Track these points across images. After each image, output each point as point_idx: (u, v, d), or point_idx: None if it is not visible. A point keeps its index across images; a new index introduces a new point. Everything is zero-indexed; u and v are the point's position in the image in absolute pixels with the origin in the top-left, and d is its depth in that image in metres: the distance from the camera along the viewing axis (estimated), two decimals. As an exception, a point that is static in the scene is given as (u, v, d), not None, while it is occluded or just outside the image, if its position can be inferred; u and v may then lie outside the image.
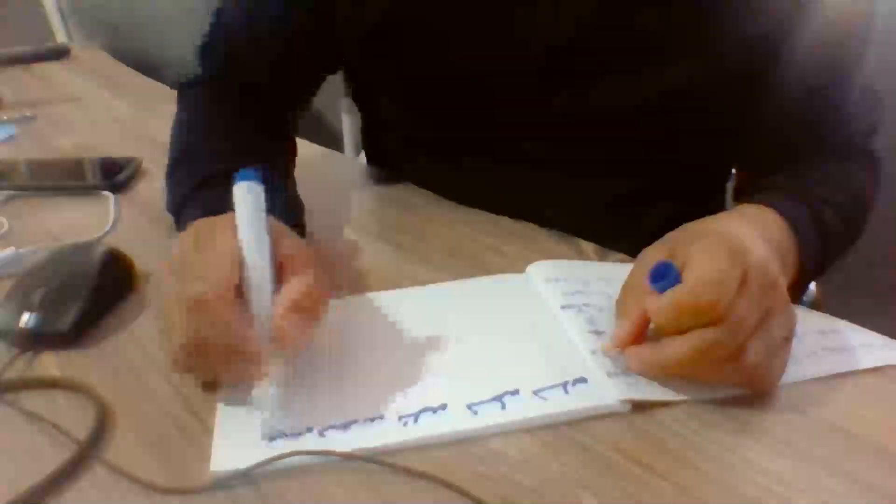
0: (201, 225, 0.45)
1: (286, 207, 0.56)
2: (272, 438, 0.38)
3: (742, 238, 0.41)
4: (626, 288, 0.45)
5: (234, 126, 0.65)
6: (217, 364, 0.39)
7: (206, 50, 0.69)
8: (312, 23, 0.64)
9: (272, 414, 0.38)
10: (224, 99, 0.67)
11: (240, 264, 0.40)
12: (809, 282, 0.56)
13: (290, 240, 0.44)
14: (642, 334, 0.42)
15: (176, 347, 0.38)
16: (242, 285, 0.40)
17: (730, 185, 0.75)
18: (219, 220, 0.44)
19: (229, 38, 0.67)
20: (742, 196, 0.56)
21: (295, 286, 0.40)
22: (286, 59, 0.67)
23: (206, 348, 0.38)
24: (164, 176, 0.61)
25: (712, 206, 0.72)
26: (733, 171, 0.73)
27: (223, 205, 0.44)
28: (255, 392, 0.39)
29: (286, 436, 0.38)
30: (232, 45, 0.67)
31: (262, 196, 0.42)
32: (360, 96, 0.77)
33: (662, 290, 0.40)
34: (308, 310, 0.40)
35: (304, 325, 0.40)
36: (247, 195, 0.41)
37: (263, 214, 0.42)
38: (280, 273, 0.42)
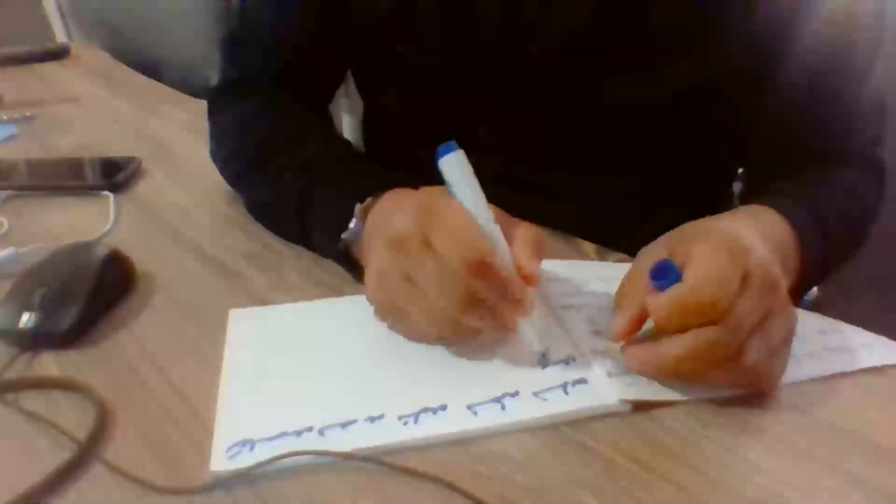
0: (415, 197, 0.47)
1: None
2: (545, 365, 0.43)
3: (743, 238, 0.41)
4: (625, 284, 0.45)
5: (315, 121, 0.66)
6: (487, 315, 0.42)
7: (234, 48, 0.70)
8: (332, 11, 0.64)
9: (543, 342, 0.43)
10: (278, 97, 0.68)
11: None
12: (811, 286, 0.56)
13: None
14: (638, 328, 0.42)
15: (454, 310, 0.41)
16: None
17: (736, 192, 0.76)
18: (433, 191, 0.46)
19: (257, 34, 0.68)
20: (747, 198, 0.56)
21: (527, 233, 0.45)
22: (315, 49, 0.67)
23: (481, 302, 0.42)
24: (232, 175, 0.64)
25: (718, 208, 0.72)
26: (738, 173, 0.74)
27: (381, 184, 0.50)
28: (522, 328, 0.43)
29: (545, 365, 0.44)
30: (262, 42, 0.68)
31: (468, 162, 0.44)
32: (366, 88, 0.77)
33: (663, 289, 0.39)
34: (540, 252, 0.45)
35: (539, 264, 0.44)
36: (458, 164, 0.43)
37: (475, 179, 0.44)
38: None
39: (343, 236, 0.51)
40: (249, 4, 0.69)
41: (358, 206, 0.50)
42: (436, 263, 0.41)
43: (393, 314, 0.46)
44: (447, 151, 0.43)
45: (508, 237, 0.44)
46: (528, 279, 0.43)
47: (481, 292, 0.41)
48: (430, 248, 0.42)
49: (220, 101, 0.71)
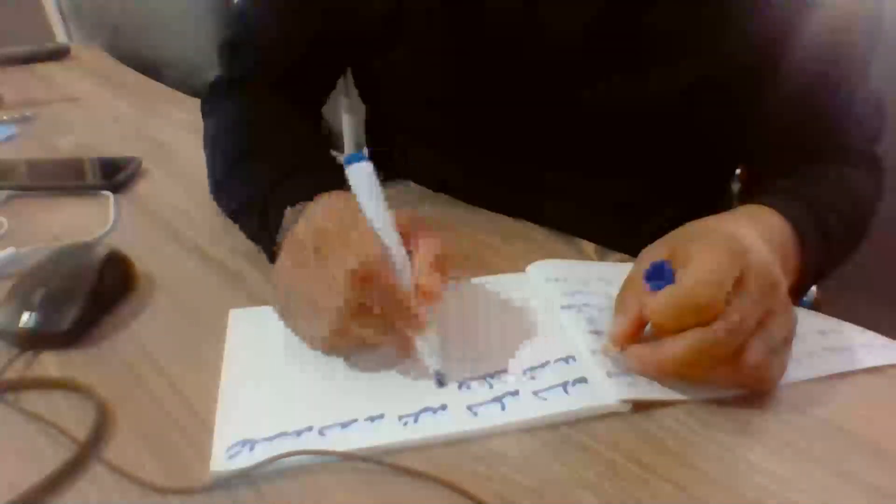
0: (328, 204, 0.47)
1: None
2: (441, 384, 0.42)
3: (742, 238, 0.41)
4: (625, 286, 0.45)
5: (291, 121, 0.66)
6: (378, 328, 0.42)
7: (232, 49, 0.70)
8: (329, 13, 0.64)
9: (436, 358, 0.42)
10: (264, 97, 0.68)
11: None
12: (811, 285, 0.56)
13: (400, 210, 0.46)
14: (639, 332, 0.42)
15: (338, 319, 0.41)
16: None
17: (735, 188, 0.76)
18: (342, 199, 0.46)
19: (256, 35, 0.68)
20: (746, 198, 0.56)
21: (429, 249, 0.44)
22: (310, 51, 0.67)
23: (371, 313, 0.41)
24: (216, 176, 0.63)
25: (717, 208, 0.73)
26: (737, 173, 0.74)
27: (312, 189, 0.48)
28: (418, 346, 0.42)
29: (441, 384, 0.42)
30: (260, 43, 0.68)
31: (375, 173, 0.44)
32: (368, 90, 0.78)
33: (658, 290, 0.40)
34: (443, 268, 0.43)
35: (442, 281, 0.43)
36: (362, 174, 0.43)
37: (380, 189, 0.44)
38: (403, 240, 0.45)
39: (278, 238, 0.50)
40: (246, 7, 0.69)
41: (288, 210, 0.50)
42: (324, 270, 0.41)
43: (290, 318, 0.45)
44: (354, 161, 0.43)
45: (414, 250, 0.44)
46: (425, 294, 0.42)
47: (368, 302, 0.41)
48: (323, 254, 0.42)
49: (212, 100, 0.71)
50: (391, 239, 0.43)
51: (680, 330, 0.39)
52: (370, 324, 0.42)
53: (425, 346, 0.42)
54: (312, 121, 0.69)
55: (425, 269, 0.43)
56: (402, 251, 0.43)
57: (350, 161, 0.43)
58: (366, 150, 0.44)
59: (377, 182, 0.44)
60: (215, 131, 0.67)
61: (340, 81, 0.80)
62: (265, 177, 0.56)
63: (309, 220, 0.45)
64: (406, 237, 0.44)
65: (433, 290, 0.42)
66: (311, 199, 0.48)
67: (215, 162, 0.65)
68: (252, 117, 0.67)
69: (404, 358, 0.44)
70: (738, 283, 0.38)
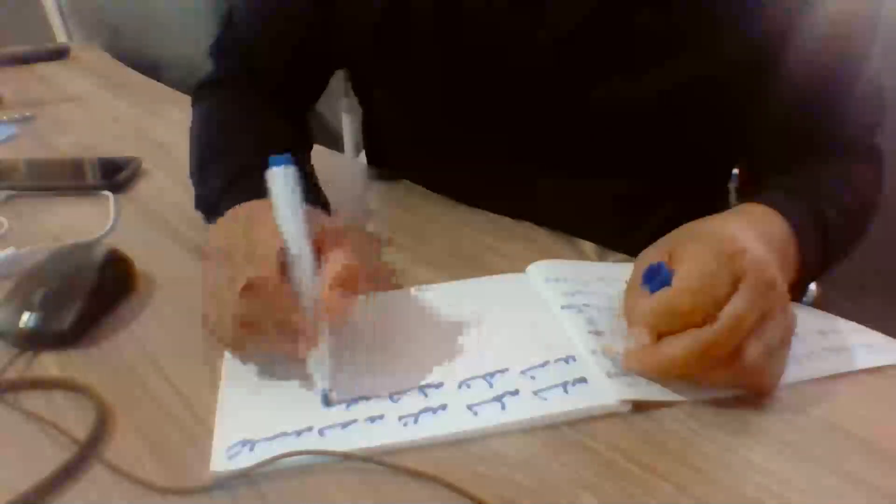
0: (240, 211, 0.47)
1: (317, 196, 0.58)
2: (329, 404, 0.40)
3: (738, 239, 0.41)
4: (628, 292, 0.45)
5: (260, 121, 0.66)
6: (270, 341, 0.41)
7: (220, 49, 0.71)
8: (320, 17, 0.64)
9: (327, 380, 0.41)
10: (245, 96, 0.68)
11: (282, 245, 0.42)
12: (811, 281, 0.56)
13: (324, 218, 0.46)
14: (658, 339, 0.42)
15: (230, 330, 0.40)
16: (286, 265, 0.42)
17: (733, 186, 0.76)
18: (256, 205, 0.46)
19: (243, 36, 0.69)
20: (745, 196, 0.56)
21: (336, 262, 0.42)
22: (298, 54, 0.67)
23: (259, 328, 0.40)
24: (189, 174, 0.63)
25: (716, 206, 0.73)
26: (735, 171, 0.74)
27: (263, 193, 0.46)
28: (310, 362, 0.41)
29: (342, 402, 0.41)
30: (246, 44, 0.68)
31: (296, 179, 0.43)
32: (363, 93, 0.78)
33: (653, 292, 0.40)
34: (350, 283, 0.42)
35: (347, 298, 0.42)
36: (281, 179, 0.43)
37: (298, 196, 0.43)
38: (318, 250, 0.44)
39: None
40: (236, 9, 0.69)
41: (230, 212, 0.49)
42: (221, 282, 0.41)
43: (203, 322, 0.44)
44: (276, 164, 0.43)
45: (323, 264, 0.43)
46: (323, 313, 0.41)
47: (257, 317, 0.40)
48: (222, 265, 0.42)
49: (197, 100, 0.71)
50: (301, 249, 0.42)
51: (678, 330, 0.39)
52: (263, 337, 0.41)
53: (314, 362, 0.41)
54: (293, 122, 0.69)
55: (328, 283, 0.41)
56: (311, 263, 0.42)
57: (273, 164, 0.43)
58: (290, 156, 0.43)
59: (297, 188, 0.43)
60: (195, 131, 0.67)
61: (341, 82, 0.80)
62: (220, 178, 0.57)
63: (217, 230, 0.45)
64: (320, 248, 0.43)
65: (332, 306, 0.41)
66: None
67: (191, 162, 0.65)
68: (221, 117, 0.67)
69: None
70: (736, 283, 0.38)
